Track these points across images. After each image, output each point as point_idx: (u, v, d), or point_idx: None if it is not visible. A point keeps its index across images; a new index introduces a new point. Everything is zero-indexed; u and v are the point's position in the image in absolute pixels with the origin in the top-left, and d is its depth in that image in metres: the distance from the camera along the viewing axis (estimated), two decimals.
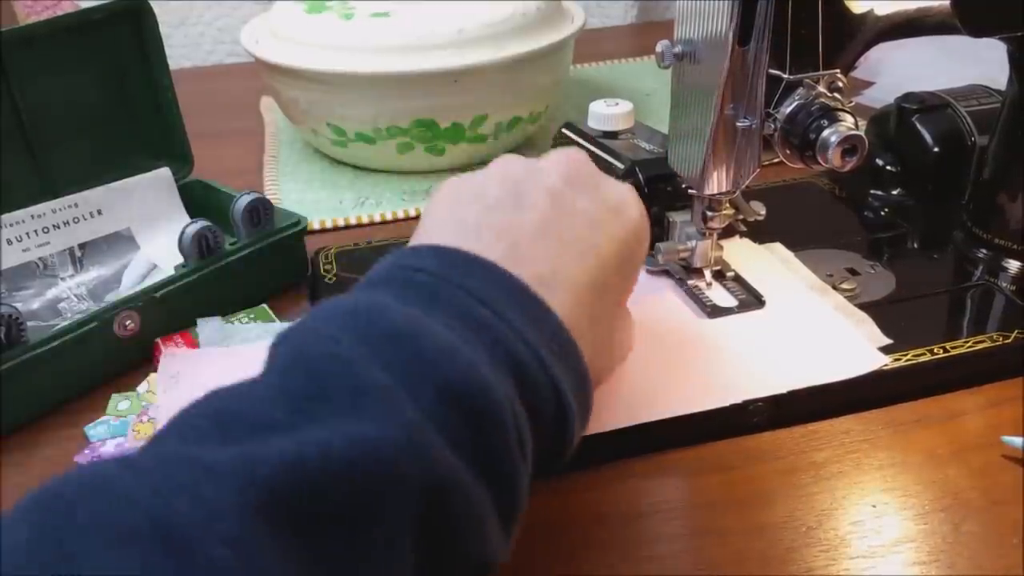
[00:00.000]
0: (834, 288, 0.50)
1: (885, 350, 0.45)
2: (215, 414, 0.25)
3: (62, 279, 0.54)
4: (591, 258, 0.35)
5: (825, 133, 0.41)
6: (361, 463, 0.24)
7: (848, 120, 0.41)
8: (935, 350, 0.45)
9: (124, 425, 0.44)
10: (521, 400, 0.29)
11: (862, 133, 0.41)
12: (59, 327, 0.46)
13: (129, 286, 0.55)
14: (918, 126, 0.58)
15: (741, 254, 0.53)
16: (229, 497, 0.22)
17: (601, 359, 0.35)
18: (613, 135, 0.57)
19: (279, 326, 0.49)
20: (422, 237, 0.35)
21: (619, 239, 0.36)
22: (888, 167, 0.60)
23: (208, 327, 0.50)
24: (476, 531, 0.27)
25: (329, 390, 0.26)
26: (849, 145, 0.41)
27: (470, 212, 0.35)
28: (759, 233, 0.53)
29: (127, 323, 0.48)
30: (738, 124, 0.44)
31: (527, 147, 0.74)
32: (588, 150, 0.58)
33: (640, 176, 0.51)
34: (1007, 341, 0.45)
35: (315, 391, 0.26)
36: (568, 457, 0.33)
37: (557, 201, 0.35)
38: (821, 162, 0.42)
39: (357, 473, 0.24)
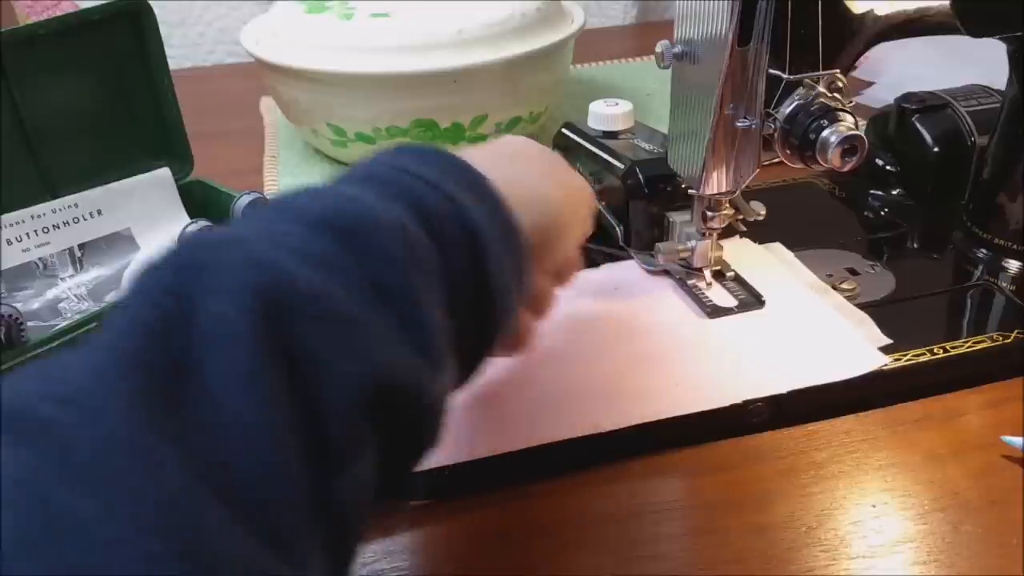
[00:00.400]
0: (834, 288, 0.50)
1: (885, 350, 0.45)
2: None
3: (62, 279, 0.54)
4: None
5: (825, 133, 0.41)
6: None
7: (848, 120, 0.41)
8: (935, 350, 0.45)
9: None
10: (423, 230, 0.29)
11: (862, 133, 0.41)
12: (59, 327, 0.46)
13: None
14: (918, 126, 0.58)
15: (741, 254, 0.53)
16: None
17: (535, 207, 0.35)
18: (613, 135, 0.57)
19: None
20: None
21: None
22: (888, 167, 0.60)
23: None
24: (364, 345, 0.25)
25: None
26: (849, 145, 0.41)
27: None
28: (759, 233, 0.53)
29: None
30: (738, 124, 0.44)
31: None
32: (588, 150, 0.58)
33: (640, 176, 0.52)
34: (1007, 341, 0.45)
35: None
36: (500, 289, 0.31)
37: None
38: (821, 162, 0.42)
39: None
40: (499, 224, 0.32)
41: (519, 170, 0.37)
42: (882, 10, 0.45)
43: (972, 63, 0.68)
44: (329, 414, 0.24)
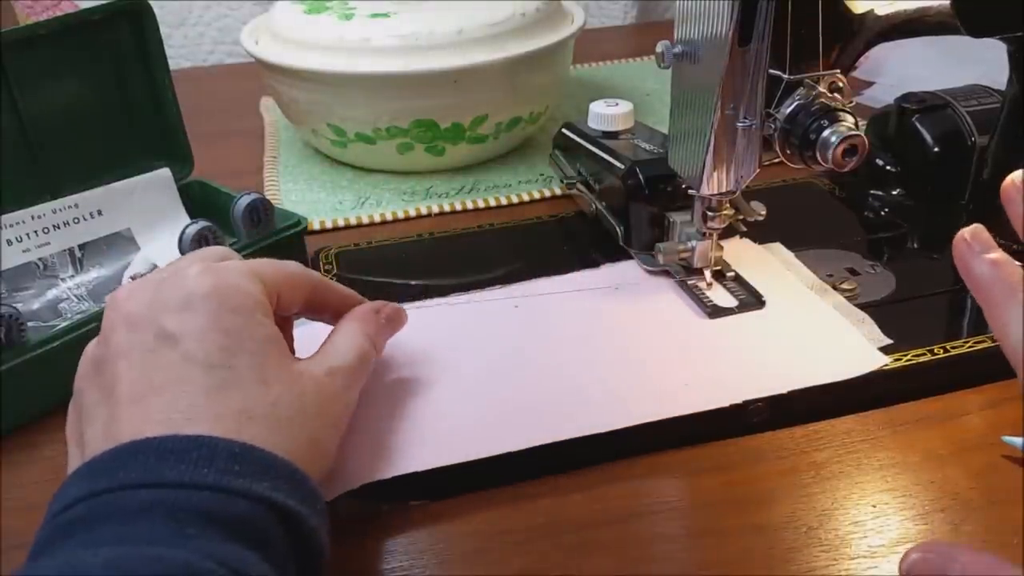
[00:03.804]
0: (834, 288, 0.50)
1: (885, 350, 0.45)
2: None
3: (62, 279, 0.54)
4: (194, 370, 0.32)
5: (825, 133, 0.41)
6: None
7: (848, 120, 0.41)
8: (935, 350, 0.45)
9: None
10: (236, 538, 0.27)
11: (862, 133, 0.41)
12: (59, 327, 0.46)
13: None
14: (918, 126, 0.58)
15: (741, 254, 0.53)
16: None
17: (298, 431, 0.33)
18: (613, 135, 0.57)
19: None
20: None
21: (197, 330, 0.33)
22: (888, 167, 0.60)
23: None
24: None
25: None
26: (849, 145, 0.41)
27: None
28: (759, 233, 0.53)
29: None
30: (738, 124, 0.44)
31: (527, 147, 0.74)
32: (588, 150, 0.58)
33: (640, 176, 0.52)
34: None
35: None
36: (324, 554, 0.31)
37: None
38: (821, 162, 0.42)
39: None
40: (313, 506, 0.31)
41: (280, 414, 0.33)
42: (882, 10, 0.45)
43: (972, 63, 0.68)
44: None
